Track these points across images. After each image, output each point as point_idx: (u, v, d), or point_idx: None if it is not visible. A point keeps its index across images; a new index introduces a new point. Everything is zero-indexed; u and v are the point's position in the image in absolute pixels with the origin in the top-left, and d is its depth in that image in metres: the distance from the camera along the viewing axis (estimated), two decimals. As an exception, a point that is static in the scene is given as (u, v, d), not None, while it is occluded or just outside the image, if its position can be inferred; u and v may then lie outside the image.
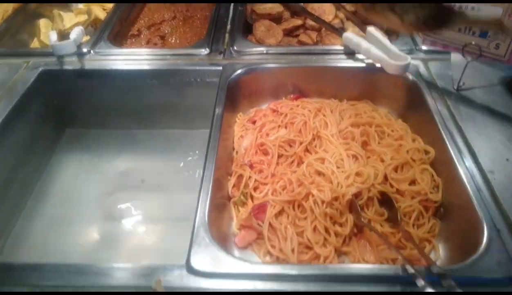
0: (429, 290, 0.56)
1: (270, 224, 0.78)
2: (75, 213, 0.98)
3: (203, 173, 0.80)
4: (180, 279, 0.63)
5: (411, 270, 0.61)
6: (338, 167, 0.83)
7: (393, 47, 0.98)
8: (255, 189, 0.85)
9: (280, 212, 0.80)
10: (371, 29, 1.02)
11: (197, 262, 0.64)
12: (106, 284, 0.63)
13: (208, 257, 0.64)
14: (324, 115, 0.95)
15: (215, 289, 0.62)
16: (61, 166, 1.10)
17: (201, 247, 0.66)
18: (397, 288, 0.61)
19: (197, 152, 1.11)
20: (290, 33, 1.21)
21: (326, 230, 0.76)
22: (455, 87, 0.97)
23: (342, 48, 1.08)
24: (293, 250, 0.74)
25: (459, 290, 0.54)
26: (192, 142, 1.13)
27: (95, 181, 1.06)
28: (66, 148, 1.14)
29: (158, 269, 0.64)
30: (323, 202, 0.77)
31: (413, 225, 0.78)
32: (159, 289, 0.61)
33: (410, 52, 1.07)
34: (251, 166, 0.88)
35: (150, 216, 0.97)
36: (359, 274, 0.63)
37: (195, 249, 0.65)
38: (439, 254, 0.76)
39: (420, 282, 0.58)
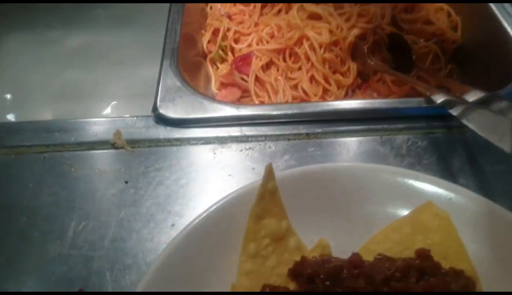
0: (471, 117, 0.43)
1: (256, 77, 0.64)
2: (21, 96, 0.81)
3: (168, 23, 0.64)
4: (146, 131, 0.49)
5: (441, 98, 0.47)
6: (336, 9, 0.67)
7: None
8: (236, 41, 0.69)
9: (268, 65, 0.66)
10: None
11: (166, 109, 0.49)
12: (60, 142, 0.48)
13: (180, 102, 0.50)
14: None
15: (192, 137, 0.48)
16: (-1, 46, 0.90)
17: (171, 92, 0.51)
18: (420, 124, 0.49)
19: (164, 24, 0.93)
20: None
21: (326, 79, 0.62)
22: None
23: None
24: (286, 103, 0.61)
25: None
26: (157, 14, 0.94)
27: (43, 60, 0.87)
28: (4, 25, 0.94)
29: (118, 121, 0.50)
30: (320, 45, 0.62)
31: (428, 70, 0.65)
32: (119, 143, 0.47)
33: None
34: (229, 17, 0.72)
35: (110, 94, 0.81)
36: (370, 108, 0.50)
37: (163, 93, 0.51)
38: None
39: (457, 110, 0.45)
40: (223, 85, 0.66)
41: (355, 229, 0.39)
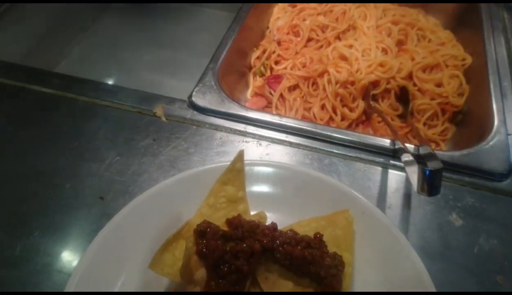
0: (410, 166, 0.55)
1: (281, 95, 0.80)
2: (116, 62, 1.04)
3: (225, 34, 0.81)
4: (179, 110, 0.67)
5: (399, 145, 0.60)
6: (363, 55, 0.80)
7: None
8: (276, 62, 0.85)
9: (294, 87, 0.81)
10: None
11: (198, 99, 0.67)
12: (121, 102, 0.68)
13: (208, 97, 0.68)
14: (366, 8, 0.91)
15: (208, 123, 0.65)
16: None
17: (205, 87, 0.69)
18: (379, 159, 0.61)
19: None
20: None
21: (334, 110, 0.76)
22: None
23: None
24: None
25: (440, 169, 0.52)
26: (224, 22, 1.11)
27: (120, 44, 1.09)
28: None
29: (162, 98, 0.69)
30: (337, 82, 0.76)
31: (425, 124, 0.76)
32: (159, 114, 0.66)
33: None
34: (279, 43, 0.88)
35: (174, 73, 0.98)
36: (348, 139, 0.63)
37: (200, 87, 0.69)
38: (444, 157, 0.74)
39: (405, 157, 0.57)
40: (255, 94, 0.83)
41: (291, 214, 0.53)
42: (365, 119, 0.78)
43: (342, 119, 0.76)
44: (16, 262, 0.50)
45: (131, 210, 0.50)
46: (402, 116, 0.77)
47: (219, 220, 0.50)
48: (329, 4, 0.93)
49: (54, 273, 0.49)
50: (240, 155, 0.53)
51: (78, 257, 0.51)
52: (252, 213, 0.53)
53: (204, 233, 0.45)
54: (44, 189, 0.58)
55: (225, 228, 0.48)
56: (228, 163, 0.54)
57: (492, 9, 0.88)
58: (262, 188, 0.55)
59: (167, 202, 0.52)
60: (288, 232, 0.47)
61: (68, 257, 0.51)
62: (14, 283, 0.49)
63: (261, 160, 0.59)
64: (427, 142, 0.60)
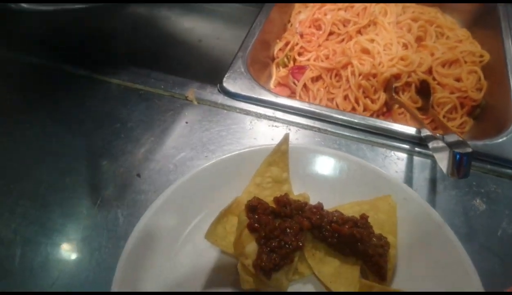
0: (439, 152, 0.57)
1: (304, 85, 0.82)
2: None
3: (252, 25, 0.83)
4: (210, 94, 0.69)
5: (426, 132, 0.62)
6: (384, 50, 0.83)
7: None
8: (299, 54, 0.88)
9: (317, 78, 0.83)
10: None
11: (228, 84, 0.69)
12: (153, 87, 0.71)
13: (239, 83, 0.70)
14: (386, 5, 0.93)
15: (238, 108, 0.67)
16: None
17: (235, 73, 0.71)
18: (405, 146, 0.63)
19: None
20: None
21: (356, 101, 0.79)
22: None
23: None
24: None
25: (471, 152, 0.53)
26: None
27: (153, 34, 1.11)
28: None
29: (194, 83, 0.71)
30: (360, 74, 0.79)
31: (444, 117, 0.78)
32: (191, 98, 0.68)
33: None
34: (301, 36, 0.90)
35: (205, 61, 0.99)
36: (373, 125, 0.65)
37: (230, 73, 0.71)
38: (463, 149, 0.76)
39: (433, 144, 0.59)
40: (279, 84, 0.85)
41: (333, 197, 0.53)
42: (385, 111, 0.80)
43: (364, 110, 0.79)
44: (58, 230, 0.52)
45: (183, 183, 0.52)
46: (421, 109, 0.79)
47: (266, 198, 0.51)
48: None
49: (94, 246, 0.51)
50: (286, 137, 0.55)
51: (118, 231, 0.52)
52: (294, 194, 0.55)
53: (255, 208, 0.47)
54: (80, 166, 0.60)
55: (271, 204, 0.50)
56: (272, 145, 0.55)
57: (509, 9, 0.91)
58: (303, 171, 0.56)
59: (215, 179, 0.53)
60: (334, 212, 0.49)
61: (107, 231, 0.53)
62: (57, 248, 0.51)
63: (302, 144, 0.61)
64: (453, 131, 0.62)
